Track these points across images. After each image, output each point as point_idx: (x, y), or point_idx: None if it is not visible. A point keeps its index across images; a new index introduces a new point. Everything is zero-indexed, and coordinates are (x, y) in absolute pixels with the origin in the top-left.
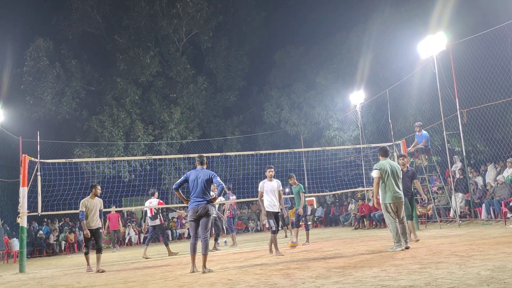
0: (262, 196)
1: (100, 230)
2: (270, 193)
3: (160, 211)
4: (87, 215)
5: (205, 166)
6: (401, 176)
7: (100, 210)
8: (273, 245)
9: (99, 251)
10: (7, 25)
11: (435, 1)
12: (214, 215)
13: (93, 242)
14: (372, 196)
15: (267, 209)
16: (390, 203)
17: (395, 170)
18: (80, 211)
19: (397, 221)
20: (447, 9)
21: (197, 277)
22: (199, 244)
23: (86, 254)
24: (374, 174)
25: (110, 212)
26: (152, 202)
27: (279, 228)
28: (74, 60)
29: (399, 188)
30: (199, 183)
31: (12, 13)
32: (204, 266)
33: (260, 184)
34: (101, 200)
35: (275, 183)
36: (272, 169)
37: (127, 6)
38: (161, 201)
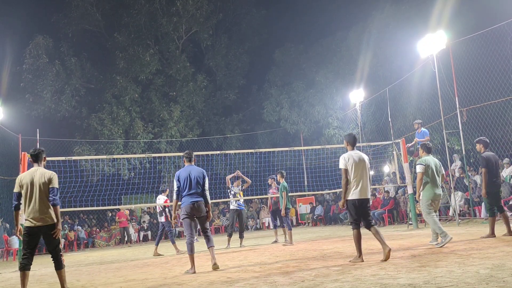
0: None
1: (54, 231)
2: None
3: (165, 208)
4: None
5: (193, 163)
6: (443, 172)
7: (53, 189)
8: None
9: (58, 266)
10: (6, 23)
11: (435, 0)
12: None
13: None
14: (415, 190)
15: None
16: (432, 200)
17: (438, 166)
18: (14, 193)
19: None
20: (447, 7)
21: (196, 275)
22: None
23: (22, 268)
24: (418, 169)
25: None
26: (160, 199)
27: None
28: (74, 58)
29: (439, 185)
30: (192, 179)
31: (11, 11)
32: (214, 257)
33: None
34: (51, 174)
35: None
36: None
37: (127, 4)
38: (167, 200)
